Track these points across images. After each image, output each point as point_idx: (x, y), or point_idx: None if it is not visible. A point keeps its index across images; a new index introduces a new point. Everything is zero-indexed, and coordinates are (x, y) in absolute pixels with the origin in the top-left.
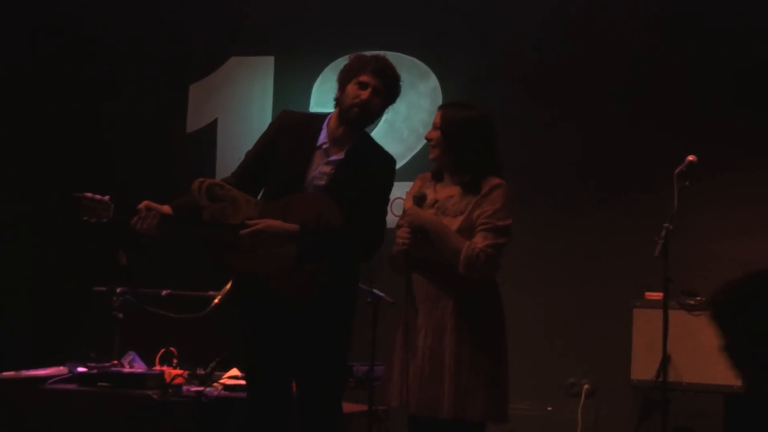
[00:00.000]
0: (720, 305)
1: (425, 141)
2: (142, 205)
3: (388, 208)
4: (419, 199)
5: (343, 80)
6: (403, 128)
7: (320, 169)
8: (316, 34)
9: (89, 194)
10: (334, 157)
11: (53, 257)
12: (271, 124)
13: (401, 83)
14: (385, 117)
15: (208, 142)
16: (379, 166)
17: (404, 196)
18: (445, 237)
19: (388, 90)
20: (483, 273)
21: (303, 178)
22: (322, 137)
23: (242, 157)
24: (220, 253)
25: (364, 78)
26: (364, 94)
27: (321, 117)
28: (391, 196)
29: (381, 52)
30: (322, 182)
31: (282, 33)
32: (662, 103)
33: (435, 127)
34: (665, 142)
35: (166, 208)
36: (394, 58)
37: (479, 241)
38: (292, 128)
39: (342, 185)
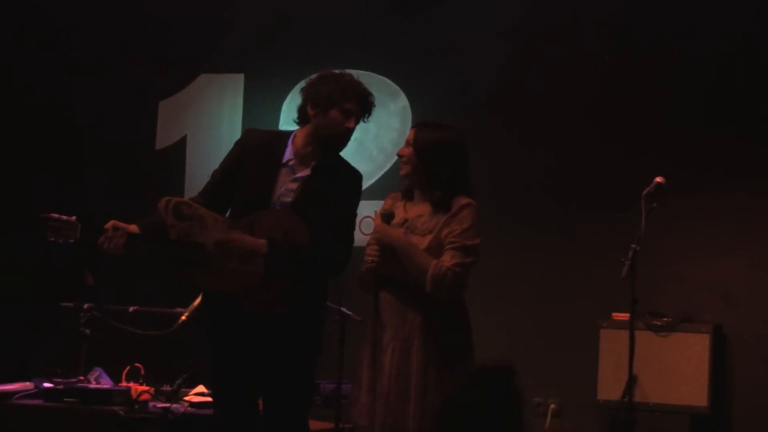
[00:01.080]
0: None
1: (394, 160)
2: (109, 224)
3: (357, 227)
4: (386, 217)
5: (325, 103)
6: (373, 147)
7: (287, 186)
8: (286, 53)
9: (55, 215)
10: (300, 174)
11: (19, 272)
12: (236, 143)
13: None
14: (355, 136)
15: (177, 159)
16: (345, 182)
17: (374, 215)
18: (413, 255)
19: (365, 116)
20: (450, 292)
21: (269, 196)
22: (288, 154)
23: (211, 174)
24: (188, 271)
25: (349, 106)
26: (351, 124)
27: (285, 134)
28: (361, 215)
29: (350, 71)
30: (289, 199)
31: (252, 51)
32: (630, 124)
33: (408, 144)
34: (633, 163)
35: (134, 228)
36: (364, 77)
37: (447, 259)
38: (257, 146)
39: (308, 201)
